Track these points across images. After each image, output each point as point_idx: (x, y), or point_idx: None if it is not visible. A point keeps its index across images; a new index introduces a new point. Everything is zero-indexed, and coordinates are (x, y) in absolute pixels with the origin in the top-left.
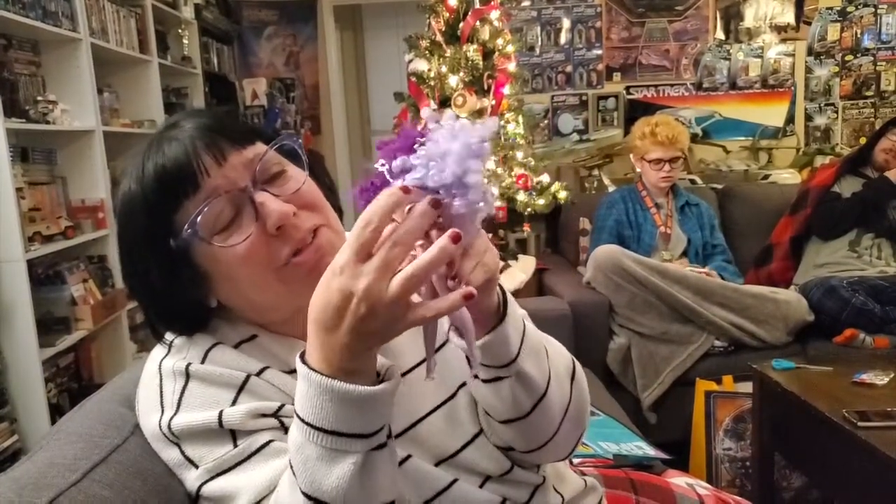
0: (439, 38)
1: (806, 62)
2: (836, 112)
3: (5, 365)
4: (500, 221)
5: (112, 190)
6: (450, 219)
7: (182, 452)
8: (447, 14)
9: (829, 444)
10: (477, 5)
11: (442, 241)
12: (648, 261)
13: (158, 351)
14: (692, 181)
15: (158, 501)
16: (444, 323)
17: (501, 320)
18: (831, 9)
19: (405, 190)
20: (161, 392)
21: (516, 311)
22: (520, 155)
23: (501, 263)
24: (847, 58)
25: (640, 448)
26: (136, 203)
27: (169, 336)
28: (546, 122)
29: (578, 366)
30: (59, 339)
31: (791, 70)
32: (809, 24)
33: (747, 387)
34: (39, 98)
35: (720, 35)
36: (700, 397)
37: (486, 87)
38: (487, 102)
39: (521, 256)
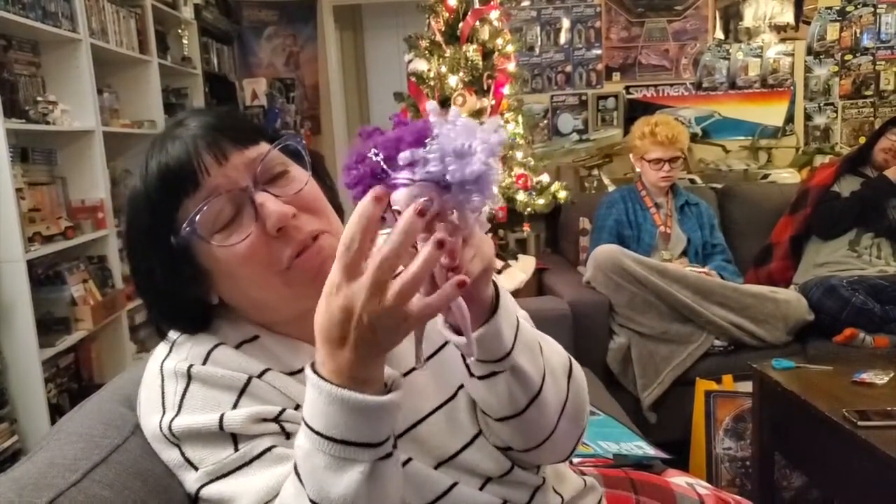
0: (439, 38)
1: (805, 62)
2: (836, 111)
3: (5, 365)
4: (500, 221)
5: (112, 190)
6: (461, 211)
7: (182, 454)
8: (447, 14)
9: (829, 444)
10: (476, 5)
11: (427, 251)
12: (648, 260)
13: (160, 351)
14: (692, 181)
15: (158, 502)
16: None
17: (494, 313)
18: (830, 8)
19: (378, 199)
20: (163, 393)
21: (509, 306)
22: (519, 155)
23: (501, 263)
24: (846, 57)
25: (640, 448)
26: (139, 200)
27: (172, 335)
28: (546, 121)
29: (576, 365)
30: (59, 340)
31: (790, 70)
32: (809, 23)
33: (747, 386)
34: (39, 98)
35: (719, 35)
36: (700, 397)
37: (485, 87)
38: (487, 102)
39: (520, 256)
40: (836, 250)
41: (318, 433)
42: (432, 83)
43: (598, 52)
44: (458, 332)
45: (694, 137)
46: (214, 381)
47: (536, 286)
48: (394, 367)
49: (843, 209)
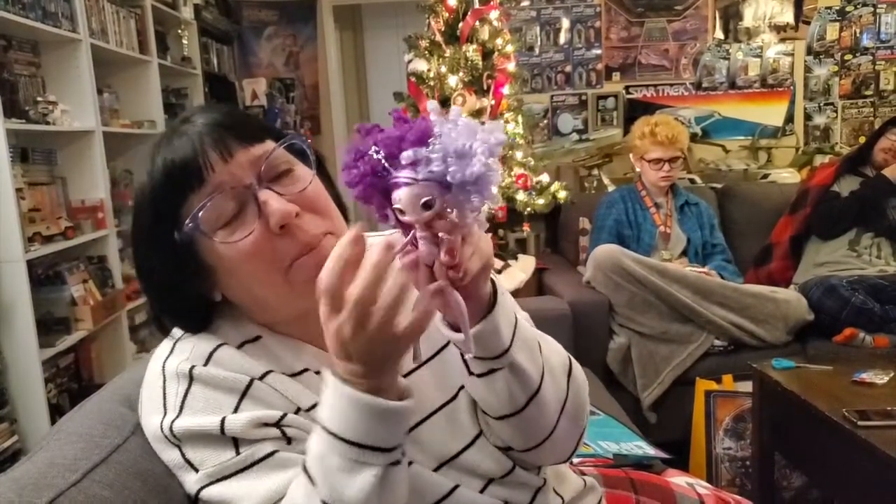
0: (439, 38)
1: (805, 61)
2: (836, 111)
3: (5, 365)
4: (500, 221)
5: (112, 190)
6: (461, 211)
7: (183, 455)
8: (447, 14)
9: (829, 444)
10: (476, 5)
11: (398, 277)
12: (648, 260)
13: (162, 350)
14: (692, 181)
15: (158, 502)
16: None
17: (491, 310)
18: (830, 8)
19: (356, 241)
20: (164, 394)
21: (507, 305)
22: (519, 155)
23: (501, 263)
24: (846, 57)
25: (640, 447)
26: (145, 195)
27: (175, 333)
28: (545, 121)
29: (576, 364)
30: (59, 340)
31: (790, 69)
32: (808, 23)
33: (747, 386)
34: (39, 98)
35: (719, 35)
36: (700, 397)
37: (485, 87)
38: (487, 102)
39: (520, 256)
40: (835, 250)
41: (333, 434)
42: (432, 83)
43: (598, 51)
44: (457, 330)
45: (694, 137)
46: (216, 382)
47: (536, 286)
48: None
49: (842, 209)
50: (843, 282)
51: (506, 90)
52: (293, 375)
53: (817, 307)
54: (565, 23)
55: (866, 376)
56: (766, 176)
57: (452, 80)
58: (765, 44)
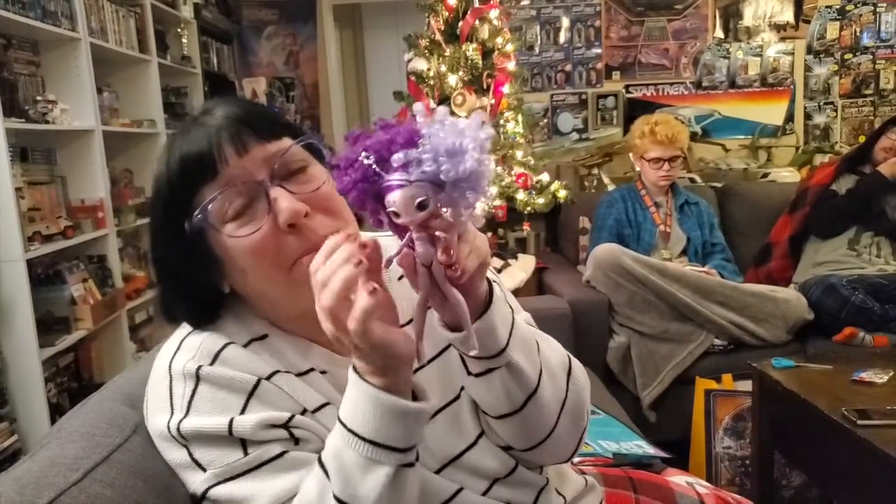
0: (439, 37)
1: (805, 61)
2: (836, 110)
3: (5, 365)
4: (500, 220)
5: (112, 189)
6: (456, 209)
7: (190, 455)
8: (446, 13)
9: (829, 443)
10: (476, 4)
11: (365, 290)
12: (648, 259)
13: (168, 348)
14: (692, 180)
15: (160, 501)
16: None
17: (487, 309)
18: (830, 7)
19: (350, 237)
20: (171, 393)
21: (504, 304)
22: (519, 154)
23: (501, 262)
24: (846, 56)
25: (640, 447)
26: (161, 183)
27: (181, 331)
28: (545, 120)
29: (576, 363)
30: (58, 339)
31: (790, 68)
32: (808, 22)
33: (747, 385)
34: (39, 98)
35: (719, 34)
36: (700, 396)
37: (485, 86)
38: (487, 101)
39: (520, 255)
40: (835, 249)
41: (351, 431)
42: (432, 82)
43: (598, 51)
44: (454, 330)
45: (694, 136)
46: (223, 383)
47: (536, 285)
48: None
49: (840, 207)
50: (843, 281)
51: (506, 89)
52: (299, 375)
53: (817, 306)
54: (565, 22)
55: (866, 375)
56: (766, 175)
57: (452, 80)
58: (765, 43)
